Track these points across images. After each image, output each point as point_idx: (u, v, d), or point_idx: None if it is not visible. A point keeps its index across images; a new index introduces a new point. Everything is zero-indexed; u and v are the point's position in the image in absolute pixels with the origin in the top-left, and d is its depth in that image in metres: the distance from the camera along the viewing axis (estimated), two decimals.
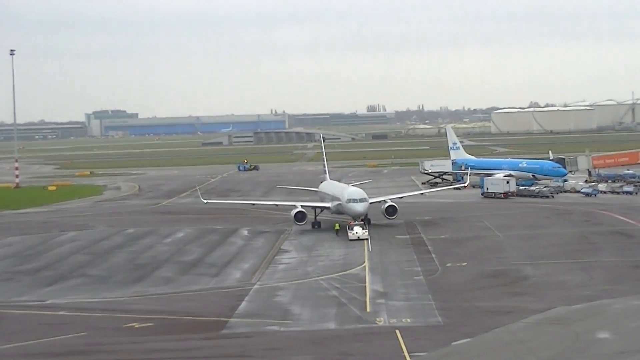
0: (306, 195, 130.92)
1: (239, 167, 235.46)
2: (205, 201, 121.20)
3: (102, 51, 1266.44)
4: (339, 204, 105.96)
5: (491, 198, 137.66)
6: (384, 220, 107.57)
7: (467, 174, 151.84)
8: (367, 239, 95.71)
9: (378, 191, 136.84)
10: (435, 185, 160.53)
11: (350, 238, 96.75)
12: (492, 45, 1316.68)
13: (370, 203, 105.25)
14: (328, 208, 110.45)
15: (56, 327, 61.57)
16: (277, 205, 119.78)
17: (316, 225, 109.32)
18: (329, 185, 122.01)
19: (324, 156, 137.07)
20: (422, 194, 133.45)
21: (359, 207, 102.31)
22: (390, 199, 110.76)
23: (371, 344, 53.07)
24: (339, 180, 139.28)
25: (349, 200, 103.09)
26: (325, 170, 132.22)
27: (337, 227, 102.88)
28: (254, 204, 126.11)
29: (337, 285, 71.90)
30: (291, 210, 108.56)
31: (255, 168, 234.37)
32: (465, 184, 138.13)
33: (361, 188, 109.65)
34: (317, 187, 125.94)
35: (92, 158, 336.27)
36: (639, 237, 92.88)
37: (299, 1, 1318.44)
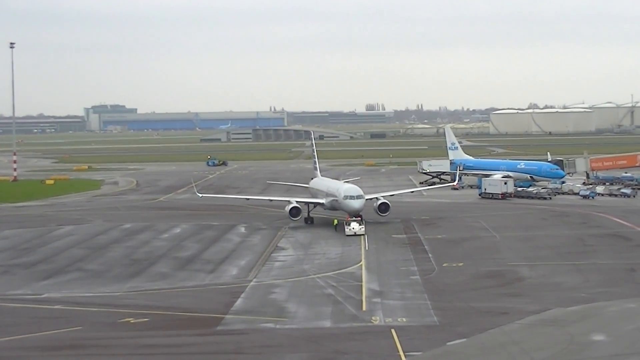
0: (302, 191, 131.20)
1: (207, 162, 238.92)
2: (200, 195, 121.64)
3: (101, 45, 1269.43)
4: (335, 200, 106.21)
5: (489, 199, 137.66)
6: (377, 218, 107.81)
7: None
8: (363, 235, 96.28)
9: (375, 190, 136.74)
10: (432, 185, 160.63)
11: (347, 233, 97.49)
12: (492, 46, 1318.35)
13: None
14: (322, 204, 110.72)
15: (51, 321, 61.56)
16: (271, 200, 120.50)
17: (309, 221, 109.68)
18: (321, 182, 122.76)
19: (315, 153, 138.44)
20: (412, 192, 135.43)
21: (356, 204, 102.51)
22: (382, 197, 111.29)
23: (366, 342, 53.09)
24: (337, 179, 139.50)
25: (346, 197, 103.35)
26: (315, 167, 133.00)
27: (335, 222, 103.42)
28: (248, 199, 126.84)
29: (333, 284, 71.92)
30: (286, 206, 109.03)
31: (224, 164, 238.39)
32: (455, 183, 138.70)
33: (355, 185, 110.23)
34: (308, 184, 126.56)
35: (90, 152, 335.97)
36: (635, 240, 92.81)
37: None
